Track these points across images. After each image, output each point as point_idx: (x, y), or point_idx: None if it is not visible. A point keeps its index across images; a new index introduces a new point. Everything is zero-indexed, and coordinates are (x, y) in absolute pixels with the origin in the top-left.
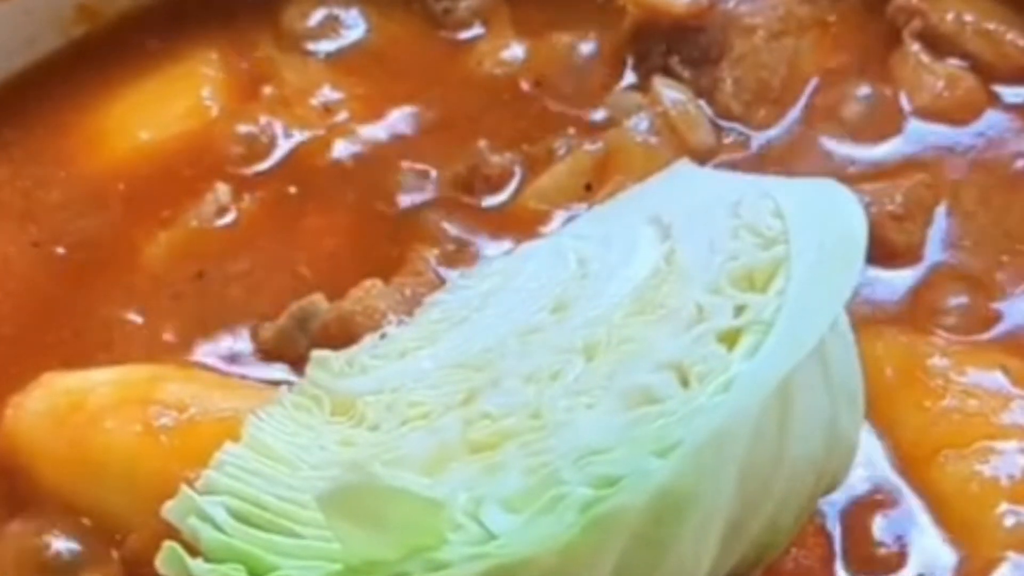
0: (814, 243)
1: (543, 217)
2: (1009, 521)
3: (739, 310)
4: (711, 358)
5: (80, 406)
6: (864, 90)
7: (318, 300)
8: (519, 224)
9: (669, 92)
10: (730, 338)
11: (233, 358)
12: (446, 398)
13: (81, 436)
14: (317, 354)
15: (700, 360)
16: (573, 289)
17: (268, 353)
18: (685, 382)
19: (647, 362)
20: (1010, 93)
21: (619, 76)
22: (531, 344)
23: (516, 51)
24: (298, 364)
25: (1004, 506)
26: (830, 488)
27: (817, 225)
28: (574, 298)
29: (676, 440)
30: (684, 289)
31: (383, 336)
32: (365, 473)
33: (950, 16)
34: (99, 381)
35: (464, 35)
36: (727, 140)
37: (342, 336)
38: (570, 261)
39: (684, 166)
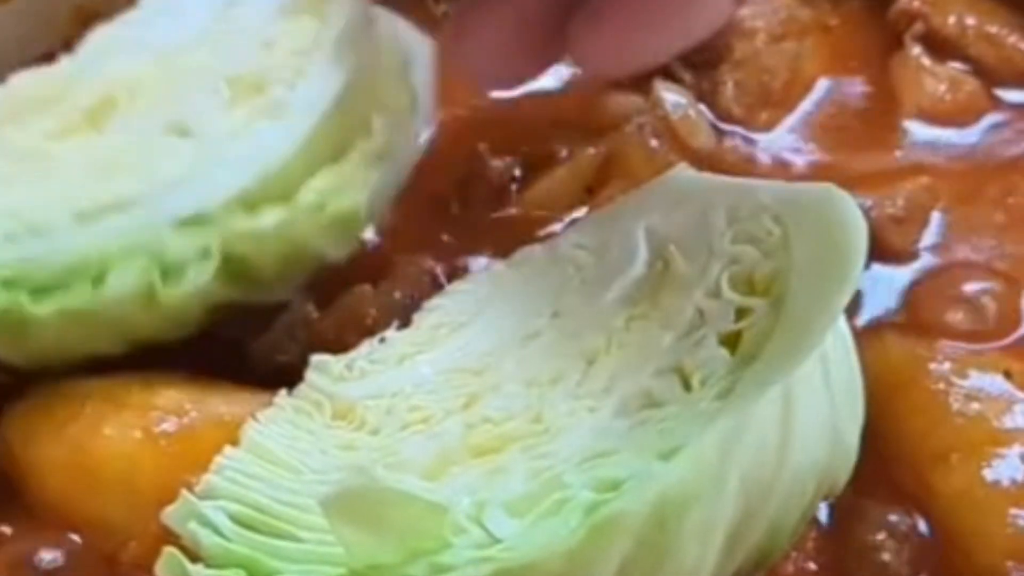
0: (813, 247)
1: (543, 221)
2: (1013, 526)
3: (740, 314)
4: (712, 362)
5: (78, 412)
6: (865, 93)
7: (308, 307)
8: (519, 228)
9: (670, 95)
10: (731, 342)
11: (231, 362)
12: (446, 403)
13: (80, 442)
14: (317, 359)
15: (702, 364)
16: (572, 294)
17: (264, 360)
18: (687, 386)
19: (648, 366)
20: (1012, 96)
21: (620, 79)
22: (531, 349)
23: None
24: (291, 371)
25: (1008, 510)
26: (830, 492)
27: (816, 230)
28: (573, 303)
29: (679, 443)
30: (684, 294)
31: (382, 341)
32: (368, 477)
33: (952, 20)
34: (97, 387)
35: None
36: (728, 143)
37: (335, 342)
38: (569, 266)
39: (683, 171)
